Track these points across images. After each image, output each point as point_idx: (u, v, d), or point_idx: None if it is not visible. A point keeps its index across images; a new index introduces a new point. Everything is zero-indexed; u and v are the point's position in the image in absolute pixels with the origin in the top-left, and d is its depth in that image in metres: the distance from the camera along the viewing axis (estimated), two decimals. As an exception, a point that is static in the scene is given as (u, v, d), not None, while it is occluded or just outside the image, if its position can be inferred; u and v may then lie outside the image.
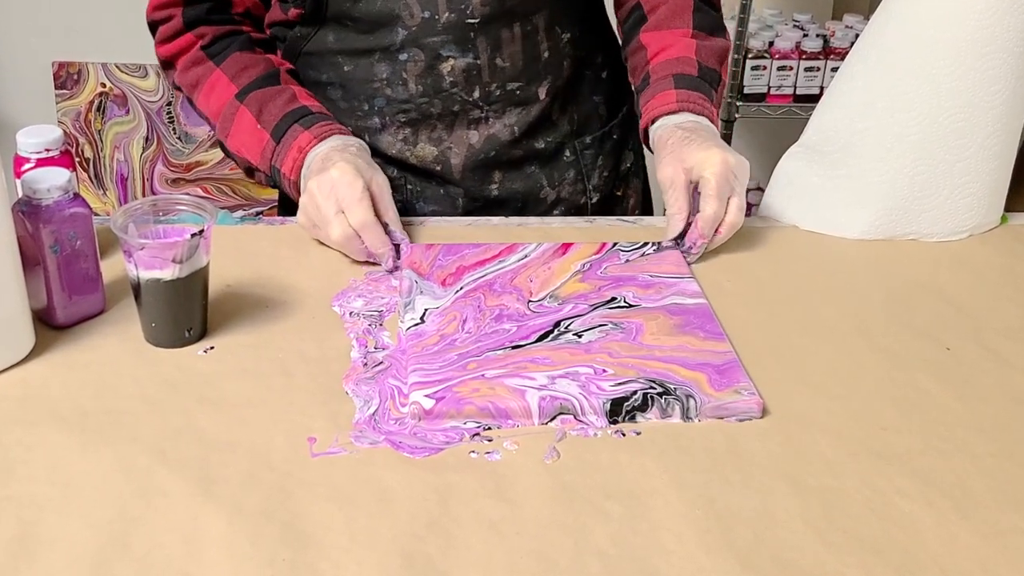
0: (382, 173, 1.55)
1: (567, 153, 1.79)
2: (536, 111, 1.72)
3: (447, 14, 1.62)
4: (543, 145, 1.76)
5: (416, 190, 1.75)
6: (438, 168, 1.73)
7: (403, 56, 1.65)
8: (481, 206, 1.77)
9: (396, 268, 1.51)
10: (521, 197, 1.78)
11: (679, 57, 1.68)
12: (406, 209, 1.75)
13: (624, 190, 1.87)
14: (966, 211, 1.67)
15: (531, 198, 1.78)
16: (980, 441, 1.24)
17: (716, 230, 1.55)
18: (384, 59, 1.66)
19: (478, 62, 1.66)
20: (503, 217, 1.72)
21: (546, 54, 1.70)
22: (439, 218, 1.71)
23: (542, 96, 1.72)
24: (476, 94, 1.68)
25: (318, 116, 1.63)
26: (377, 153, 1.71)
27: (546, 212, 1.79)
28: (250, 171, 1.70)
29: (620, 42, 1.84)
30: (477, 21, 1.63)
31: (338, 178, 1.49)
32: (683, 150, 1.56)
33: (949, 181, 1.65)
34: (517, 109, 1.72)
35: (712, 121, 1.65)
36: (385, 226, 1.52)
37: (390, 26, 1.64)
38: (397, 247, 1.53)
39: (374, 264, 1.53)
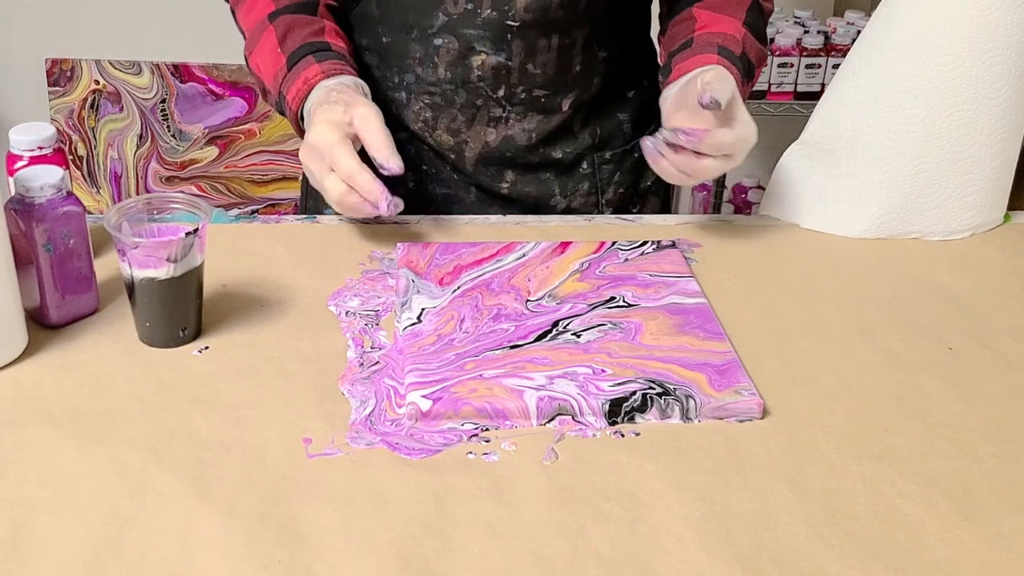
0: (367, 103, 1.54)
1: (584, 165, 1.78)
2: (557, 121, 1.72)
3: (489, 11, 1.62)
4: (560, 155, 1.76)
5: (431, 171, 1.76)
6: (452, 157, 1.74)
7: (438, 41, 1.65)
8: (491, 202, 1.77)
9: (390, 211, 1.48)
10: (532, 201, 1.78)
11: (727, 34, 1.66)
12: (420, 189, 1.76)
13: (640, 208, 1.87)
14: (969, 209, 1.67)
15: (542, 203, 1.78)
16: (983, 442, 1.24)
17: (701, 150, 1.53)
18: (420, 39, 1.67)
19: (510, 63, 1.66)
20: (500, 215, 1.72)
21: (578, 68, 1.69)
22: (436, 216, 1.71)
23: (565, 107, 1.72)
24: (501, 92, 1.68)
25: (335, 54, 1.64)
26: (400, 127, 1.73)
27: None
28: (264, 92, 1.71)
29: (660, 28, 1.83)
30: (517, 24, 1.62)
31: (316, 138, 1.50)
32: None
33: (951, 179, 1.65)
34: (538, 116, 1.71)
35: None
36: (379, 167, 1.50)
37: (432, 9, 1.64)
38: (393, 187, 1.49)
39: (370, 262, 1.53)
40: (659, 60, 1.82)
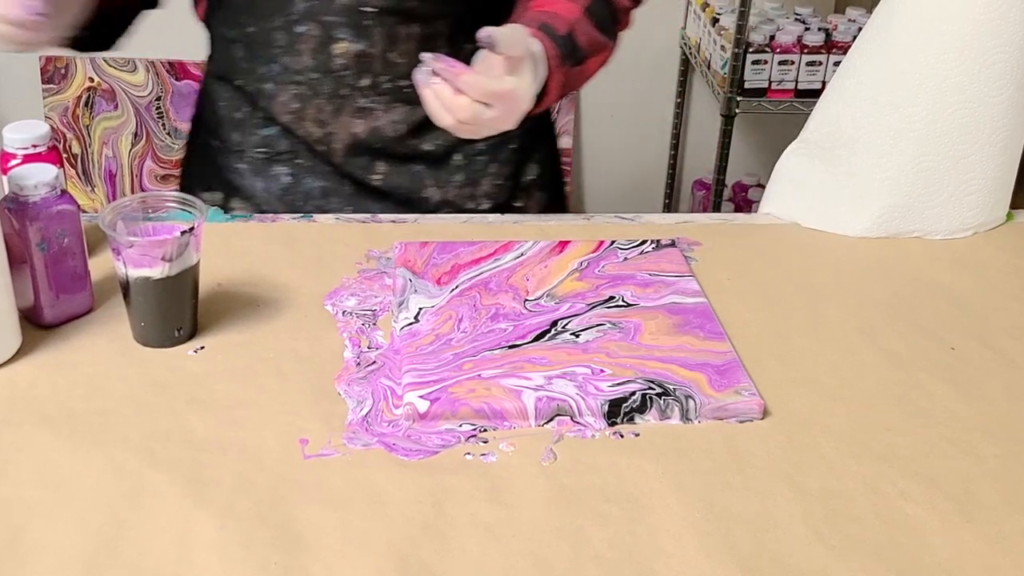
0: None
1: (457, 157, 1.77)
2: (424, 113, 1.69)
3: None
4: (431, 147, 1.75)
5: (306, 164, 1.75)
6: (322, 149, 1.73)
7: (300, 28, 1.65)
8: (366, 194, 1.76)
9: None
10: (405, 193, 1.77)
11: (558, 14, 1.63)
12: (297, 183, 1.75)
13: (525, 202, 1.86)
14: (971, 208, 1.67)
15: (414, 195, 1.77)
16: (985, 443, 1.24)
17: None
18: (283, 27, 1.66)
19: (371, 51, 1.65)
20: (499, 215, 1.72)
21: None
22: (433, 215, 1.71)
23: None
24: (365, 82, 1.68)
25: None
26: (271, 120, 1.73)
27: (430, 211, 1.78)
28: None
29: None
30: (374, 11, 1.62)
31: None
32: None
33: (953, 178, 1.65)
34: (405, 107, 1.70)
35: (550, 67, 1.59)
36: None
37: None
38: None
39: (367, 261, 1.54)
40: None
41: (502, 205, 1.82)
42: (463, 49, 1.66)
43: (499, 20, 1.71)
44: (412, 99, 1.67)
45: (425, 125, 1.70)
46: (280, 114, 1.71)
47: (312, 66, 1.67)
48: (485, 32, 1.41)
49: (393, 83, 1.68)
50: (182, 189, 1.90)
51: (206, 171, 1.80)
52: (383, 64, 1.66)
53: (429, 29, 1.65)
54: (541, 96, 1.57)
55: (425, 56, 1.44)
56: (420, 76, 1.45)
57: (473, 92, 1.44)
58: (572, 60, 1.60)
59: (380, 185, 1.75)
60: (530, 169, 1.85)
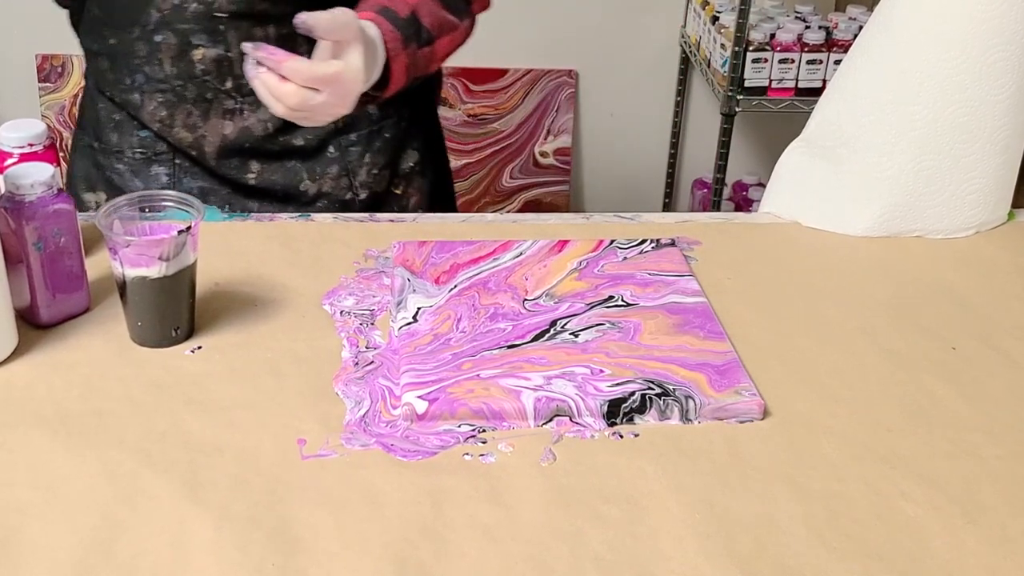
0: None
1: (330, 149, 1.78)
2: None
3: (195, 4, 1.62)
4: (302, 141, 1.75)
5: (184, 165, 1.75)
6: (194, 153, 1.73)
7: (158, 37, 1.65)
8: (242, 193, 1.76)
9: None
10: (281, 189, 1.77)
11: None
12: (176, 184, 1.75)
13: (405, 189, 1.86)
14: (972, 207, 1.67)
15: (291, 190, 1.77)
16: (988, 444, 1.23)
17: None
18: (142, 37, 1.66)
19: (229, 54, 1.65)
20: (497, 214, 1.72)
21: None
22: (431, 215, 1.71)
23: None
24: (229, 84, 1.68)
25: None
26: (139, 134, 1.73)
27: (308, 204, 1.78)
28: None
29: None
30: (225, 16, 1.62)
31: None
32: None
33: (955, 176, 1.64)
34: None
35: (390, 50, 1.58)
36: None
37: (144, 7, 1.64)
38: None
39: (365, 260, 1.53)
40: None
41: (381, 194, 1.83)
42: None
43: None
44: None
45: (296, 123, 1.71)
46: (150, 122, 1.72)
47: (174, 74, 1.67)
48: (300, 18, 1.40)
49: None
50: (67, 190, 1.91)
51: (89, 172, 1.82)
52: (243, 66, 1.65)
53: (285, 29, 1.61)
54: (387, 81, 1.56)
55: (246, 46, 1.43)
56: (248, 68, 1.45)
57: (298, 78, 1.43)
58: (417, 42, 1.60)
59: (256, 184, 1.75)
60: (408, 156, 1.86)
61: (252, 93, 1.65)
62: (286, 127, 1.72)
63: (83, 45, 1.78)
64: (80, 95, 1.88)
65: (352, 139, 1.78)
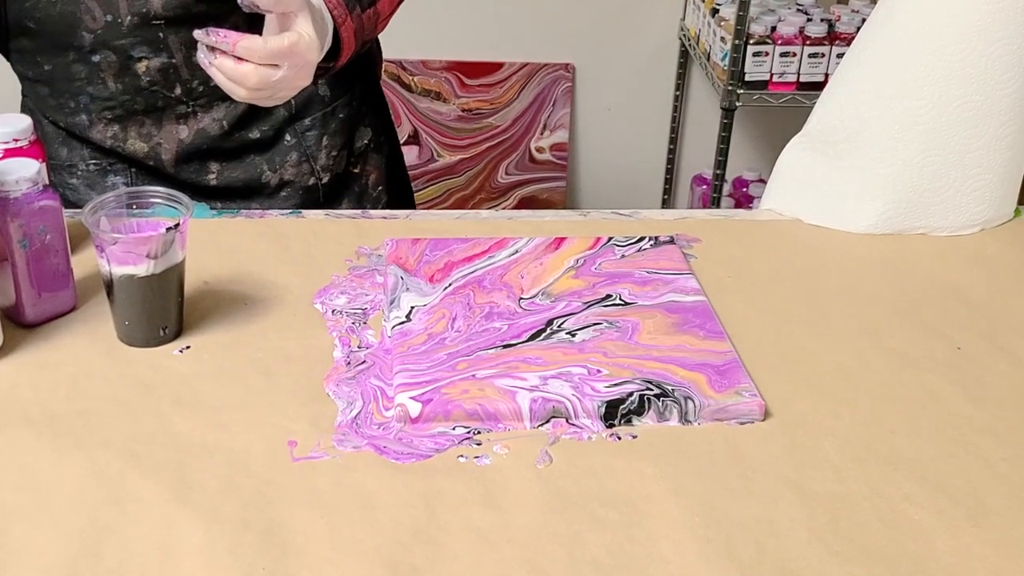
0: None
1: (287, 137, 1.78)
2: (244, 104, 1.70)
3: (129, 17, 1.61)
4: (258, 135, 1.76)
5: (142, 176, 1.75)
6: (151, 163, 1.73)
7: (96, 57, 1.64)
8: (205, 196, 1.76)
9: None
10: (243, 185, 1.78)
11: None
12: (139, 196, 1.73)
13: (362, 167, 1.88)
14: (978, 204, 1.67)
15: (253, 184, 1.78)
16: (993, 445, 1.24)
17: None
18: (79, 59, 1.66)
19: (173, 61, 1.65)
20: (492, 210, 1.72)
21: None
22: (425, 211, 1.71)
23: None
24: (178, 91, 1.68)
25: None
26: (91, 146, 1.73)
27: (272, 195, 1.79)
28: None
29: None
30: (162, 23, 1.61)
31: None
32: None
33: (960, 172, 1.64)
34: (224, 104, 1.71)
35: (335, 17, 1.58)
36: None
37: (74, 30, 1.62)
38: None
39: (357, 258, 1.53)
40: None
41: (342, 175, 1.84)
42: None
43: None
44: (227, 95, 1.66)
45: (249, 115, 1.72)
46: (101, 140, 1.72)
47: (120, 90, 1.67)
48: (244, 2, 1.41)
49: (205, 84, 1.68)
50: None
51: None
52: (189, 69, 1.66)
53: (226, 25, 1.61)
54: (337, 50, 1.57)
55: (197, 34, 1.43)
56: (201, 55, 1.45)
57: (254, 56, 1.43)
58: (360, 5, 1.61)
59: (217, 184, 1.76)
60: (362, 134, 1.88)
61: (203, 95, 1.68)
62: (241, 123, 1.72)
63: (17, 72, 1.77)
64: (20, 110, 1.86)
65: (307, 124, 1.79)
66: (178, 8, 1.61)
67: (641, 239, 1.58)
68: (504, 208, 3.93)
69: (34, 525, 1.07)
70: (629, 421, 1.24)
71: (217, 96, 1.69)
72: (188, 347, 1.35)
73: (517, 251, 1.54)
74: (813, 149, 1.72)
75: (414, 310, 1.40)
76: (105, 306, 1.36)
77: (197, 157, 1.73)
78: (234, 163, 1.76)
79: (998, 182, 1.67)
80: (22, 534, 1.06)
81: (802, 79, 3.41)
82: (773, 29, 3.37)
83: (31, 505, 1.10)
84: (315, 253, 1.55)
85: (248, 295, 1.45)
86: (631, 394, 1.25)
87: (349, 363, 1.33)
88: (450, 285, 1.46)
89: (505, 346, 1.34)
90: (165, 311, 1.34)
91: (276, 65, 1.45)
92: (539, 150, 3.93)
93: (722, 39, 3.39)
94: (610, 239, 1.57)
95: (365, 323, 1.40)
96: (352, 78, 1.85)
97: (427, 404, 1.23)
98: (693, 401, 1.25)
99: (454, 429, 1.22)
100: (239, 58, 1.43)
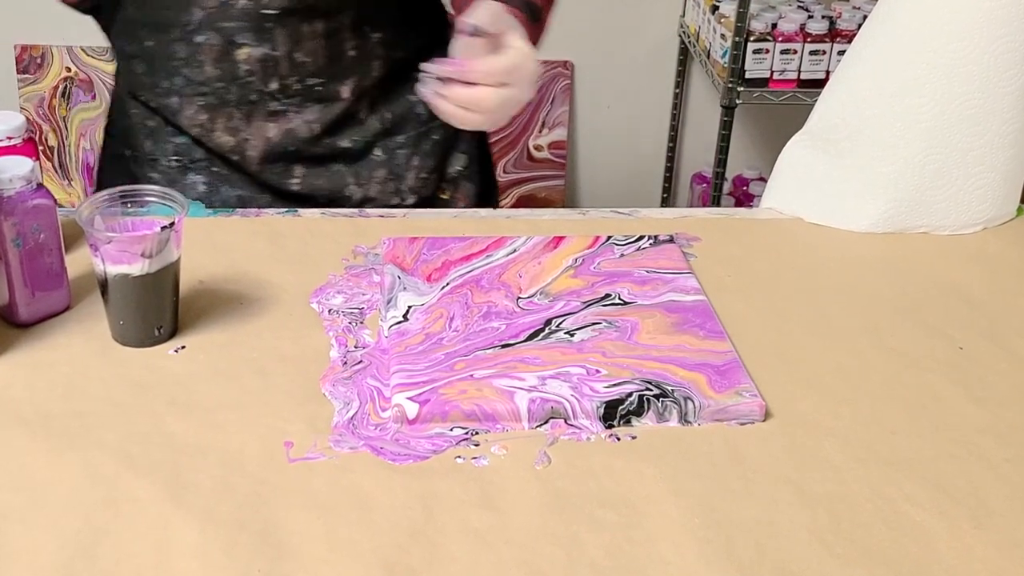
0: None
1: (377, 152, 1.77)
2: (339, 109, 1.70)
3: (242, 1, 1.61)
4: (349, 144, 1.74)
5: (222, 173, 1.74)
6: (236, 159, 1.72)
7: (199, 38, 1.64)
8: (284, 200, 1.75)
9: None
10: (326, 194, 1.76)
11: None
12: (212, 192, 1.75)
13: (452, 194, 1.85)
14: (980, 202, 1.67)
15: (336, 195, 1.76)
16: (995, 446, 1.24)
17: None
18: (182, 38, 1.65)
19: (275, 54, 1.64)
20: (491, 209, 1.72)
21: (352, 53, 1.68)
22: (422, 210, 1.71)
23: (345, 95, 1.70)
24: (273, 86, 1.67)
25: None
26: (180, 132, 1.72)
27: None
28: None
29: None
30: (275, 12, 1.61)
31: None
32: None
33: (962, 171, 1.65)
34: (318, 106, 1.70)
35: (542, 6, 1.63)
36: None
37: (187, 6, 1.63)
38: None
39: (354, 257, 1.54)
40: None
41: (428, 198, 1.82)
42: (369, 39, 1.66)
43: (409, 4, 1.71)
44: (324, 97, 1.67)
45: (340, 122, 1.71)
46: (189, 127, 1.71)
47: (216, 75, 1.66)
48: (469, 25, 1.44)
49: (302, 83, 1.67)
50: (98, 184, 1.91)
51: (119, 182, 1.79)
52: (289, 65, 1.65)
53: (333, 24, 1.64)
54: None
55: (427, 67, 1.47)
56: (425, 89, 1.48)
57: (489, 78, 1.46)
58: (535, 18, 1.62)
59: (299, 190, 1.75)
60: (456, 160, 1.85)
61: (297, 94, 1.67)
62: (332, 129, 1.71)
63: (115, 48, 1.76)
64: (110, 101, 1.86)
65: (400, 141, 1.78)
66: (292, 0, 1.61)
67: (640, 238, 1.58)
68: (502, 207, 3.92)
69: (29, 526, 1.07)
70: (628, 422, 1.24)
71: (311, 98, 1.69)
72: (183, 347, 1.35)
73: (515, 250, 1.54)
74: (814, 147, 1.72)
75: (411, 310, 1.40)
76: (99, 306, 1.36)
77: (283, 159, 1.72)
78: (319, 170, 1.75)
79: (1000, 180, 1.67)
80: (17, 535, 1.06)
81: (803, 77, 3.42)
82: (774, 26, 3.38)
83: (26, 506, 1.10)
84: (311, 252, 1.55)
85: (244, 294, 1.45)
86: (630, 394, 1.25)
87: (345, 363, 1.33)
88: (448, 284, 1.46)
89: (503, 346, 1.34)
90: (160, 311, 1.35)
91: (505, 84, 1.48)
92: (537, 148, 3.93)
93: (722, 36, 3.39)
94: (609, 238, 1.58)
95: (362, 323, 1.41)
96: None
97: (424, 405, 1.23)
98: (693, 401, 1.25)
99: (452, 430, 1.22)
100: (469, 82, 1.47)
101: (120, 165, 1.80)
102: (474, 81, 1.47)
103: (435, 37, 1.81)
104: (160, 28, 1.66)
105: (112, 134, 1.84)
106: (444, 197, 1.84)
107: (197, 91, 1.68)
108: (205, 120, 1.69)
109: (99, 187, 1.87)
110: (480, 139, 1.91)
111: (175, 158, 1.73)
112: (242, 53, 1.64)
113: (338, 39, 1.66)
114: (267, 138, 1.69)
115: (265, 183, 1.74)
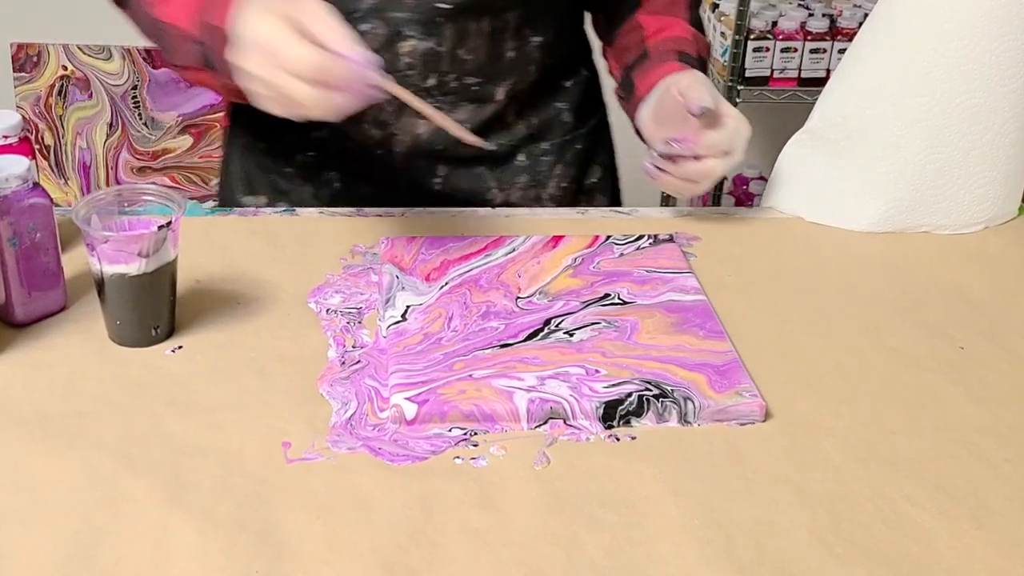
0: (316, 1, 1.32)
1: (521, 157, 1.77)
2: (491, 111, 1.71)
3: None
4: (494, 146, 1.73)
5: (358, 169, 1.74)
6: (379, 152, 1.71)
7: (365, 26, 1.62)
8: (422, 198, 1.75)
9: (376, 88, 1.32)
10: (465, 196, 1.76)
11: (680, 37, 1.68)
12: (347, 188, 1.75)
13: (587, 204, 1.86)
14: (981, 202, 1.68)
15: (476, 199, 1.76)
16: (996, 446, 1.24)
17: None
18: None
19: (440, 49, 1.64)
20: (490, 208, 1.72)
21: (511, 54, 1.68)
22: (420, 208, 1.71)
23: (499, 97, 1.71)
24: (431, 82, 1.66)
25: None
26: (322, 124, 1.69)
27: None
28: (174, 45, 1.51)
29: (598, 32, 1.85)
30: (449, 8, 1.60)
31: (255, 33, 1.29)
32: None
33: (963, 170, 1.65)
34: (471, 106, 1.70)
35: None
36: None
37: None
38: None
39: (352, 257, 1.54)
40: (612, 73, 1.81)
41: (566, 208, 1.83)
42: (528, 42, 1.67)
43: (567, 11, 1.72)
44: (479, 97, 1.67)
45: (490, 124, 1.71)
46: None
47: None
48: (698, 108, 1.51)
49: (460, 81, 1.67)
50: (220, 191, 1.90)
51: (250, 173, 1.79)
52: (451, 62, 1.65)
53: (498, 22, 1.64)
54: None
55: (660, 147, 1.55)
56: (650, 167, 1.57)
57: (715, 150, 1.54)
58: (704, 74, 1.67)
59: (440, 189, 1.75)
60: (593, 171, 1.86)
61: (454, 92, 1.67)
62: (481, 130, 1.70)
63: None
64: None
65: (545, 147, 1.79)
66: None
67: (640, 237, 1.58)
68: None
69: (27, 527, 1.07)
70: (628, 422, 1.24)
71: (466, 96, 1.69)
72: (181, 347, 1.35)
73: (514, 249, 1.54)
74: (814, 146, 1.73)
75: (410, 309, 1.41)
76: (96, 305, 1.36)
77: (428, 157, 1.72)
78: (462, 171, 1.75)
79: (1002, 180, 1.67)
80: (15, 536, 1.06)
81: (803, 75, 3.42)
82: (774, 24, 3.38)
83: (24, 506, 1.10)
84: (309, 251, 1.56)
85: (241, 294, 1.45)
86: (630, 395, 1.26)
87: (343, 363, 1.33)
88: (446, 284, 1.46)
89: (502, 346, 1.34)
90: (157, 310, 1.35)
91: (727, 152, 1.55)
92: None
93: (722, 34, 3.39)
94: (608, 237, 1.58)
95: (360, 323, 1.41)
96: (593, 108, 1.86)
97: (423, 405, 1.23)
98: (693, 402, 1.25)
99: (450, 431, 1.22)
100: (696, 156, 1.54)
101: (249, 156, 1.80)
102: (701, 155, 1.54)
103: (583, 49, 1.86)
104: None
105: (241, 124, 1.83)
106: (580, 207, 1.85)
107: None
108: (354, 113, 1.69)
109: (224, 178, 1.88)
110: (610, 149, 1.93)
111: (311, 153, 1.73)
112: (406, 45, 1.63)
113: (500, 39, 1.66)
114: (416, 134, 1.69)
115: (406, 181, 1.73)
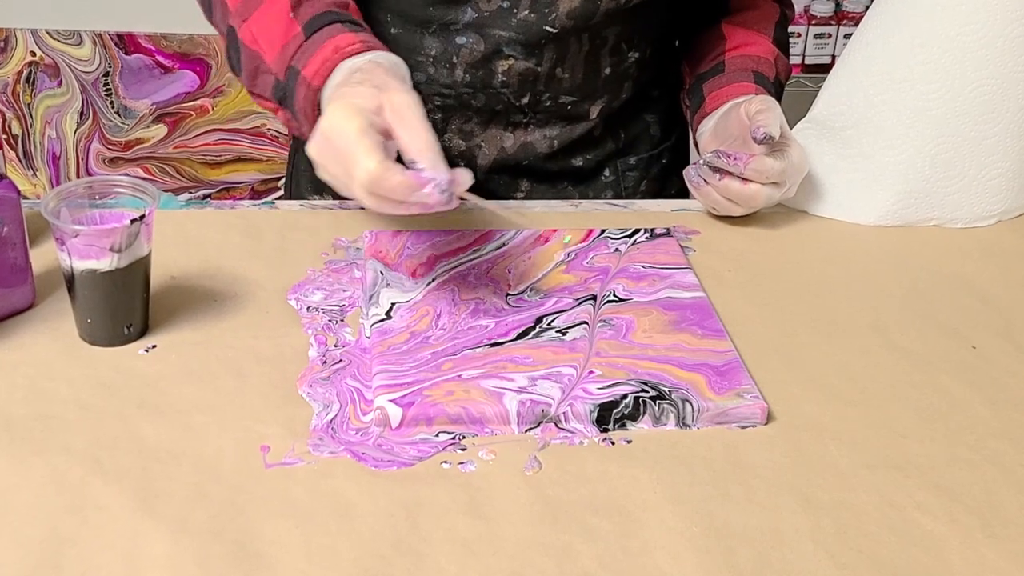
0: (405, 90, 1.33)
1: (607, 172, 1.78)
2: (581, 129, 1.72)
3: (526, 12, 1.60)
4: (581, 162, 1.76)
5: None
6: (462, 163, 1.70)
7: (461, 39, 1.63)
8: None
9: (447, 200, 1.30)
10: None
11: (760, 56, 1.69)
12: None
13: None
14: (994, 194, 1.68)
15: None
16: (1010, 451, 1.24)
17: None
18: (439, 35, 1.64)
19: (539, 69, 1.64)
20: (478, 198, 1.72)
21: (607, 71, 1.69)
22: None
23: (593, 115, 1.72)
24: (525, 99, 1.67)
25: (366, 29, 1.49)
26: None
27: None
28: (255, 72, 1.52)
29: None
30: (555, 31, 1.61)
31: (330, 126, 1.31)
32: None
33: (975, 161, 1.65)
34: (562, 123, 1.71)
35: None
36: (412, 163, 1.29)
37: (460, 3, 1.61)
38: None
39: (334, 251, 1.53)
40: (683, 75, 1.82)
41: None
42: (626, 59, 1.68)
43: (668, 24, 1.73)
44: (573, 116, 1.69)
45: (580, 141, 1.72)
46: None
47: (466, 80, 1.66)
48: (762, 134, 1.51)
49: (554, 100, 1.68)
50: (287, 191, 1.90)
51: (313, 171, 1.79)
52: (548, 81, 1.65)
53: (598, 41, 1.65)
54: None
55: (707, 157, 1.54)
56: (693, 175, 1.57)
57: (762, 177, 1.54)
58: (779, 99, 1.68)
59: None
60: (673, 184, 1.87)
61: (545, 110, 1.68)
62: (570, 147, 1.72)
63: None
64: None
65: (632, 163, 1.80)
66: (580, 19, 1.60)
67: (636, 231, 1.58)
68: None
69: (-10, 536, 1.07)
70: (623, 425, 1.24)
71: (559, 114, 1.70)
72: (154, 346, 1.35)
73: (504, 244, 1.54)
74: (819, 136, 1.72)
75: (395, 307, 1.40)
76: (66, 303, 1.36)
77: (512, 171, 1.73)
78: (545, 186, 1.75)
79: (1016, 171, 1.67)
80: (-23, 545, 1.06)
81: (807, 61, 3.42)
82: (777, 8, 3.38)
83: (-14, 514, 1.10)
84: (289, 246, 1.55)
85: (218, 291, 1.45)
86: (625, 396, 1.25)
87: (325, 363, 1.33)
88: (433, 280, 1.46)
89: (492, 344, 1.34)
90: (130, 308, 1.34)
91: (776, 184, 1.56)
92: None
93: (723, 19, 3.39)
94: (603, 231, 1.58)
95: (342, 320, 1.40)
96: (677, 119, 1.87)
97: (408, 409, 1.22)
98: (691, 404, 1.25)
99: (437, 435, 1.22)
100: (744, 179, 1.55)
101: None
102: (749, 178, 1.55)
103: (674, 62, 1.86)
104: (415, 20, 1.65)
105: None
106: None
107: (437, 91, 1.68)
108: (438, 120, 1.69)
109: (291, 179, 1.89)
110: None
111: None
112: (504, 64, 1.64)
113: (598, 56, 1.67)
114: (501, 147, 1.70)
115: (487, 192, 1.72)
